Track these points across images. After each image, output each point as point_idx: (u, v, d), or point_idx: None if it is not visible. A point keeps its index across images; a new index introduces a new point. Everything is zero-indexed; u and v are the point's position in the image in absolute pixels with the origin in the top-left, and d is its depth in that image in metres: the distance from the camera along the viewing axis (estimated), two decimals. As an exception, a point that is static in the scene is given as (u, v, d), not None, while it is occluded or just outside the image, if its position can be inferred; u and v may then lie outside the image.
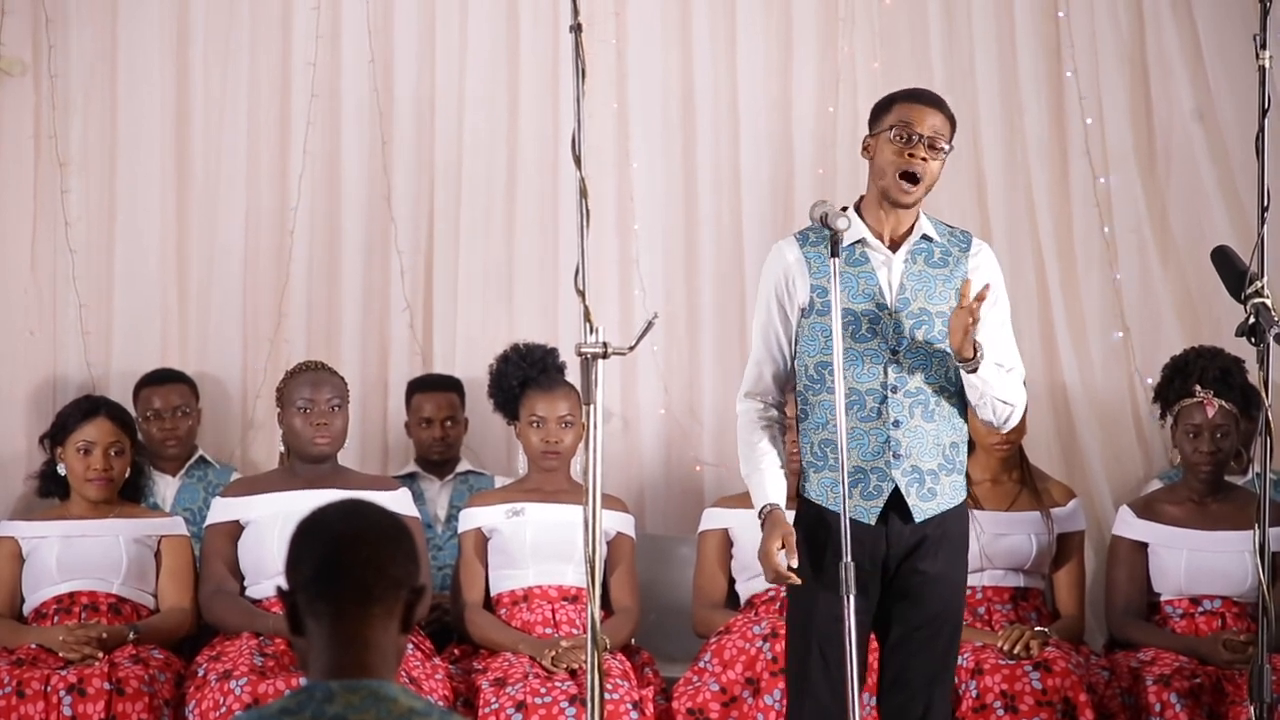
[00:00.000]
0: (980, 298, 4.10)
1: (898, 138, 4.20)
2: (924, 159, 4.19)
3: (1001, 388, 4.24)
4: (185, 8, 6.38)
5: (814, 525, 4.26)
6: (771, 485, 4.28)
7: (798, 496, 4.34)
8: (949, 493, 4.27)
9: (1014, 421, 4.36)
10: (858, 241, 4.25)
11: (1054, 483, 5.59)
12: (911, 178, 4.19)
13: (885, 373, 4.21)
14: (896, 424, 4.21)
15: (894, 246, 4.27)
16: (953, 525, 4.29)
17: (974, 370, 4.17)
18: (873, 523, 4.20)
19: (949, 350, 4.21)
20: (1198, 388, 5.34)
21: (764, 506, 4.26)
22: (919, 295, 4.24)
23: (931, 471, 4.24)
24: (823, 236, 4.22)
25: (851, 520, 4.07)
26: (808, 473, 4.30)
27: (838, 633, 4.05)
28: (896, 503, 4.23)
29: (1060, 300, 6.28)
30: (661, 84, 6.41)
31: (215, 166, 6.38)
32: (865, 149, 4.30)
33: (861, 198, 4.33)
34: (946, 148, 4.23)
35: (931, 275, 4.26)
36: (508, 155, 6.40)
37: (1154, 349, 6.07)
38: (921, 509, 4.23)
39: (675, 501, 6.30)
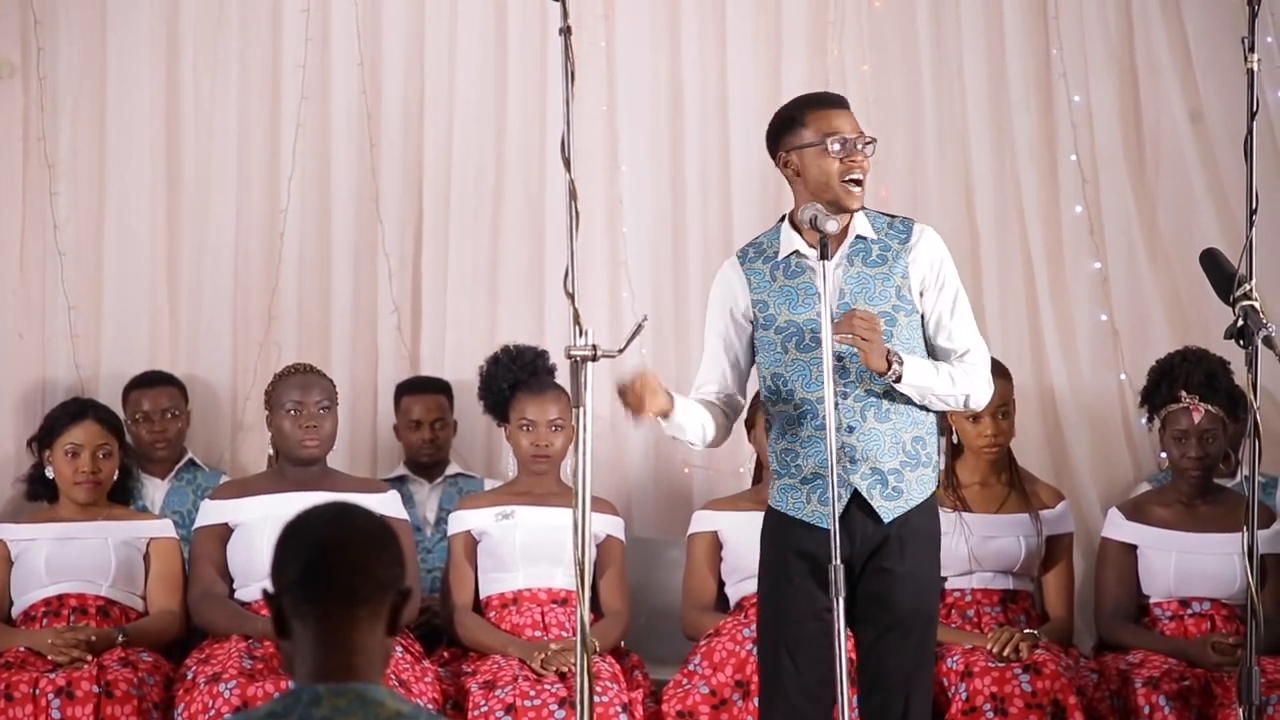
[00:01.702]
0: (839, 329, 4.10)
1: (836, 150, 4.22)
2: (860, 161, 4.23)
3: (940, 384, 4.23)
4: (175, 10, 6.38)
5: (778, 530, 4.31)
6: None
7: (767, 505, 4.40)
8: (916, 488, 4.27)
9: (976, 403, 4.35)
10: (792, 253, 4.27)
11: (1043, 485, 5.59)
12: (857, 182, 4.23)
13: (834, 380, 4.19)
14: (850, 429, 4.21)
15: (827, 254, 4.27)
16: (919, 522, 4.28)
17: (897, 380, 4.17)
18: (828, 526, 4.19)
19: (900, 348, 4.20)
20: (1183, 393, 5.34)
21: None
22: (859, 298, 4.24)
23: (894, 470, 4.24)
24: (760, 252, 4.35)
25: (811, 525, 4.16)
26: (772, 480, 4.35)
27: (807, 633, 4.12)
28: (859, 502, 4.23)
29: (1049, 303, 6.29)
30: (651, 87, 6.42)
31: (205, 168, 6.38)
32: (786, 165, 4.29)
33: (790, 213, 4.33)
34: (872, 140, 4.27)
35: (870, 275, 4.26)
36: (496, 158, 6.40)
37: (1143, 351, 6.06)
38: (888, 509, 4.24)
39: (664, 504, 6.30)
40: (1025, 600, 5.43)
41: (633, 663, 5.42)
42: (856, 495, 4.23)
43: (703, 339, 6.20)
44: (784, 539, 4.29)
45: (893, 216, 4.38)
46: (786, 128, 4.30)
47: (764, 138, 6.33)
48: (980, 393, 4.32)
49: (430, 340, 6.37)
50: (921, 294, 4.29)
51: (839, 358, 4.19)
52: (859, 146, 4.22)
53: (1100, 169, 6.33)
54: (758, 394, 4.57)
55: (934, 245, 4.33)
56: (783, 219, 4.34)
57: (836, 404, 4.17)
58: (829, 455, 4.00)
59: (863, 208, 4.30)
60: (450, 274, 6.38)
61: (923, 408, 4.29)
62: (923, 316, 4.30)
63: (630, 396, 4.18)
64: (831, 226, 4.08)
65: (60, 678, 4.98)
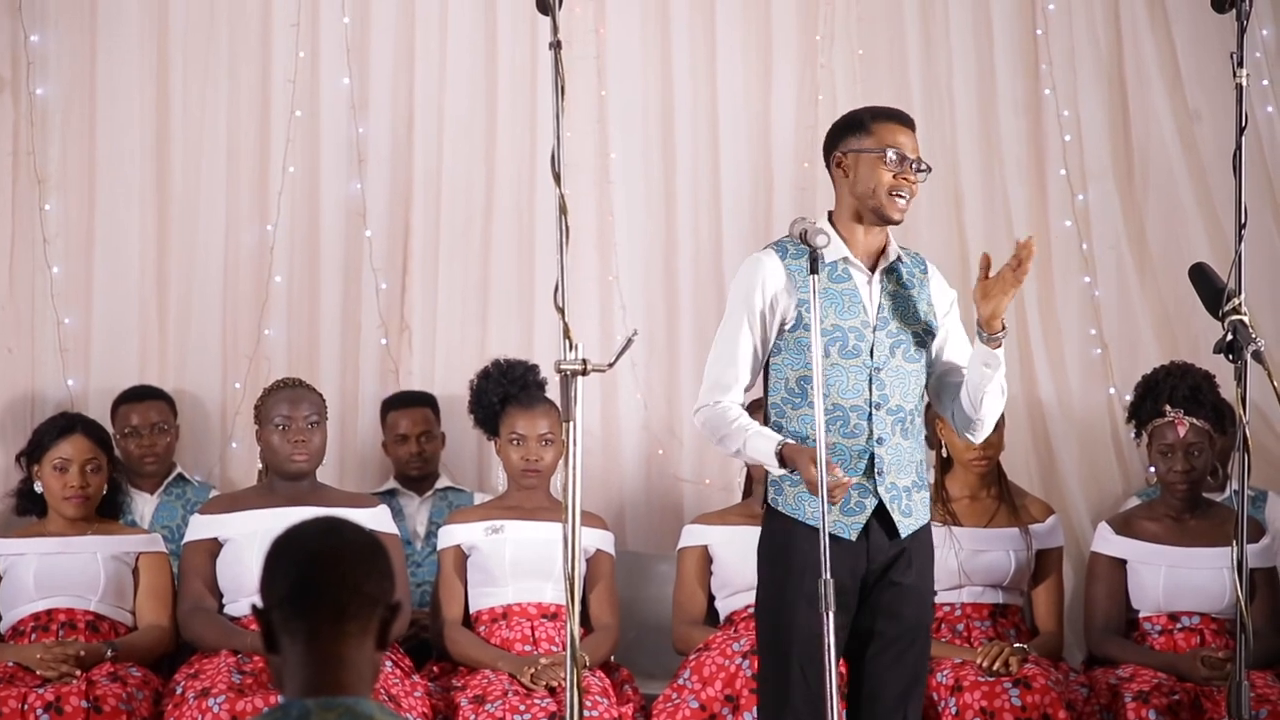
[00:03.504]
0: (1024, 256, 4.14)
1: (893, 162, 4.23)
2: (915, 181, 4.25)
3: (1002, 378, 4.29)
4: (165, 25, 6.38)
5: (787, 539, 4.27)
6: (770, 435, 4.23)
7: (765, 508, 4.34)
8: (921, 509, 4.32)
9: (987, 429, 4.39)
10: (842, 258, 4.27)
11: (1032, 499, 5.60)
12: (903, 197, 4.25)
13: (869, 389, 4.22)
14: (880, 441, 4.22)
15: (870, 265, 4.30)
16: (924, 537, 4.34)
17: (999, 345, 4.20)
18: (854, 538, 4.20)
19: (925, 370, 4.28)
20: (1168, 407, 5.35)
21: (776, 447, 4.18)
22: (895, 314, 4.28)
23: (907, 489, 4.27)
24: (801, 251, 4.24)
25: (832, 536, 4.09)
26: (780, 485, 4.28)
27: (819, 649, 4.07)
28: (881, 516, 4.24)
29: (1038, 317, 6.31)
30: (641, 101, 6.42)
31: (194, 183, 6.38)
32: (839, 165, 4.31)
33: (831, 212, 4.35)
34: (927, 167, 4.30)
35: (904, 295, 4.31)
36: (486, 172, 6.41)
37: (1132, 365, 6.08)
38: (905, 524, 4.26)
39: (655, 518, 6.30)
40: (1015, 614, 5.43)
41: (622, 677, 5.42)
42: (879, 509, 4.24)
43: (692, 352, 6.29)
44: (796, 550, 4.23)
45: (904, 249, 4.41)
46: (851, 130, 4.32)
47: (754, 151, 6.41)
48: (994, 421, 4.41)
49: (420, 354, 6.37)
50: (935, 326, 4.36)
51: (876, 369, 4.23)
52: (914, 166, 4.24)
53: (1089, 183, 6.35)
54: (754, 402, 4.55)
55: (945, 283, 4.43)
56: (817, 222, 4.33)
57: (870, 415, 4.20)
58: (819, 464, 3.98)
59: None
60: (440, 288, 6.38)
61: (924, 433, 4.33)
62: (934, 346, 4.36)
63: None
64: (820, 241, 4.08)
65: (49, 693, 4.97)
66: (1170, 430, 5.33)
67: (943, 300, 4.37)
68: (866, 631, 4.28)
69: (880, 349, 4.25)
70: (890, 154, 4.23)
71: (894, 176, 4.23)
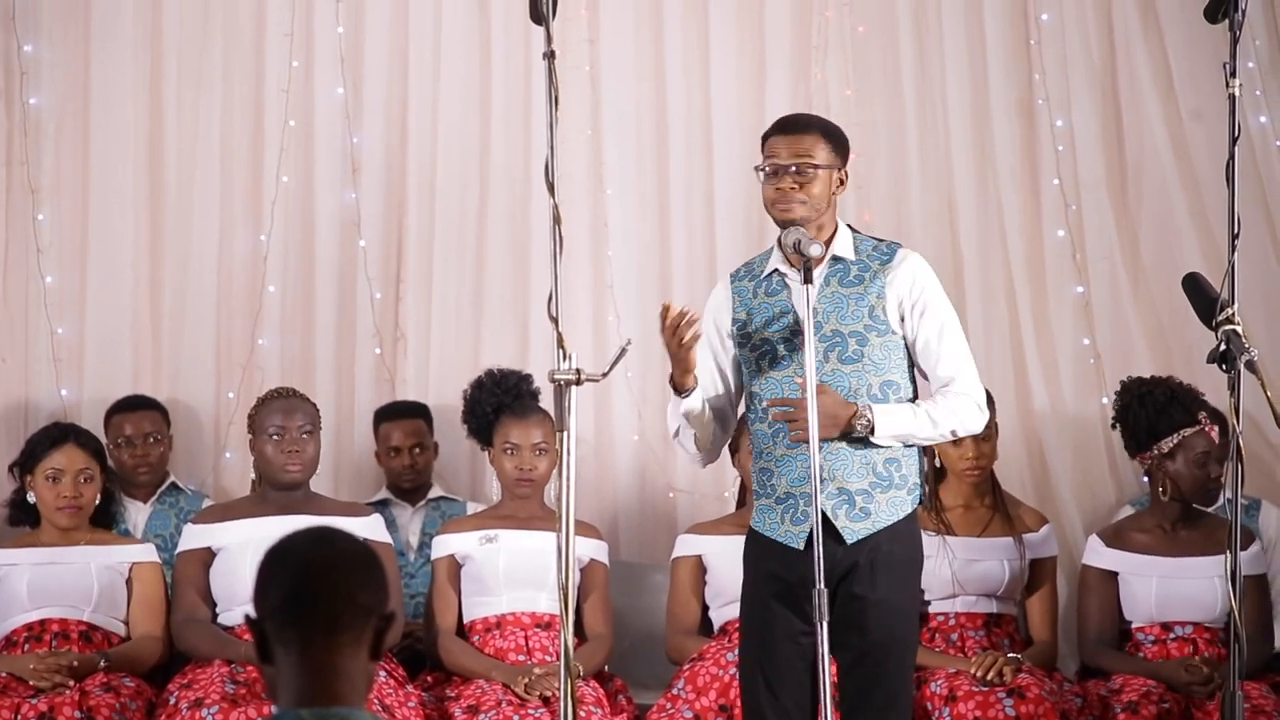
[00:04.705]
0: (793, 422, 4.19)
1: (764, 173, 4.27)
2: (793, 187, 4.23)
3: (919, 428, 4.25)
4: (159, 34, 6.38)
5: (754, 552, 4.34)
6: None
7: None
8: (886, 510, 4.25)
9: (966, 432, 4.39)
10: (774, 271, 4.31)
11: (1026, 508, 5.59)
12: (788, 208, 4.24)
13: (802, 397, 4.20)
14: (819, 447, 4.18)
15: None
16: (891, 547, 4.25)
17: (870, 433, 4.20)
18: (801, 547, 4.18)
19: (871, 369, 4.24)
20: (1203, 414, 5.33)
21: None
22: (831, 317, 4.26)
23: (863, 491, 4.23)
24: (750, 271, 4.39)
25: (781, 545, 4.17)
26: (754, 501, 4.38)
27: (782, 657, 4.11)
28: (826, 524, 4.19)
29: (1031, 326, 6.30)
30: (635, 111, 6.43)
31: (188, 193, 6.37)
32: None
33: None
34: (817, 167, 4.24)
35: (844, 295, 4.27)
36: (480, 182, 6.41)
37: (1125, 375, 6.06)
38: (853, 530, 4.22)
39: (649, 528, 6.30)
40: (1009, 624, 5.43)
41: (616, 687, 5.42)
42: (823, 516, 4.22)
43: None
44: (760, 561, 4.31)
45: (880, 240, 4.40)
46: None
47: (748, 160, 6.40)
48: (968, 423, 4.34)
49: (414, 363, 6.37)
50: (902, 318, 4.29)
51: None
52: (783, 172, 4.24)
53: (1082, 193, 6.36)
54: (743, 416, 4.56)
55: (914, 269, 4.31)
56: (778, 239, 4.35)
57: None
58: (813, 477, 4.00)
59: (853, 229, 4.36)
60: (434, 297, 6.38)
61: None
62: (906, 340, 4.31)
63: (675, 321, 4.15)
64: (815, 250, 4.09)
65: (42, 703, 4.97)
66: (1205, 438, 5.31)
67: (906, 292, 4.28)
68: (837, 643, 4.22)
69: (812, 356, 4.23)
70: (760, 169, 4.29)
71: (771, 189, 4.26)
